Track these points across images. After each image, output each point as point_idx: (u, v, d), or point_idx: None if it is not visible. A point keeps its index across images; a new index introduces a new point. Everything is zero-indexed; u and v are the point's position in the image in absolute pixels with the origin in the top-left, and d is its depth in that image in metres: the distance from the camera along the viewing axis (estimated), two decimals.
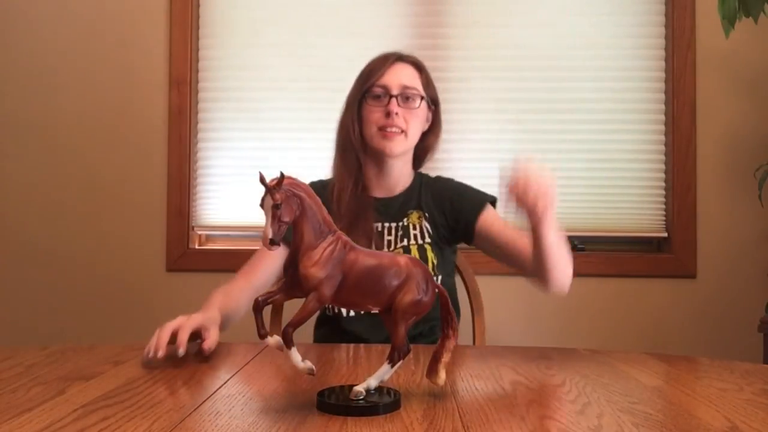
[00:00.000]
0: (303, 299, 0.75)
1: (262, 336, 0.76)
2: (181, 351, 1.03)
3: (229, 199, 2.20)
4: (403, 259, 0.79)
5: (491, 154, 2.17)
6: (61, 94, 2.22)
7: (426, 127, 1.54)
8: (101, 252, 2.21)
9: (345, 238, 0.77)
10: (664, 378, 1.01)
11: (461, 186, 1.57)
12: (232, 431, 0.69)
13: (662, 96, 2.17)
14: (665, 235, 2.16)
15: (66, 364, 0.99)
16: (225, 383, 0.91)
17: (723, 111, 2.13)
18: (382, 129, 1.44)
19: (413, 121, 1.47)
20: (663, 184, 2.17)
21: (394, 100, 1.44)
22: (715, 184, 2.13)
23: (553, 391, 0.89)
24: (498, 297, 2.10)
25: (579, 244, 2.17)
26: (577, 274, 2.13)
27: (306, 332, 2.05)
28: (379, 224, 1.49)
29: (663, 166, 2.17)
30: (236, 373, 0.98)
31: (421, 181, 1.58)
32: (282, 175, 0.72)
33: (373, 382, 0.79)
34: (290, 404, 0.80)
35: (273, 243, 0.71)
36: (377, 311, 0.80)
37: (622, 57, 2.17)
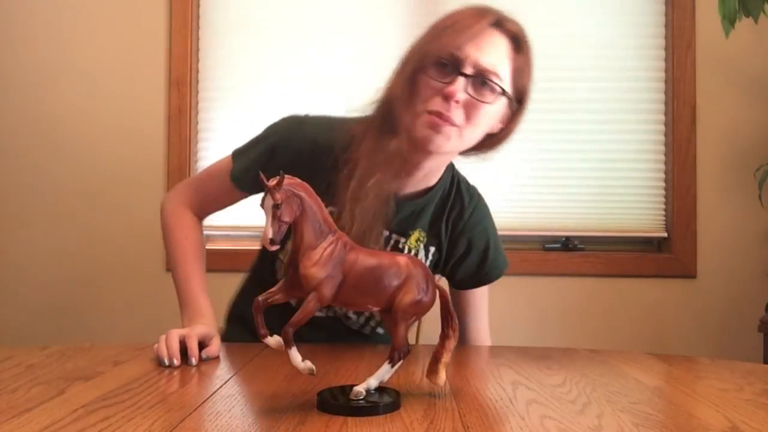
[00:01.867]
0: (303, 299, 0.75)
1: (262, 336, 0.76)
2: (194, 361, 1.00)
3: None
4: (403, 259, 0.79)
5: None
6: (60, 94, 2.22)
7: (497, 129, 1.16)
8: (101, 252, 2.21)
9: (345, 238, 0.77)
10: (664, 378, 1.01)
11: (490, 243, 1.27)
12: (232, 431, 0.69)
13: (662, 96, 2.17)
14: (665, 235, 2.16)
15: (66, 364, 0.99)
16: (225, 383, 0.91)
17: (723, 111, 2.13)
18: (432, 113, 1.06)
19: (478, 119, 1.08)
20: (663, 184, 2.17)
21: (461, 80, 1.05)
22: (715, 184, 2.13)
23: (553, 391, 0.89)
24: (498, 297, 2.09)
25: (579, 244, 2.17)
26: (577, 274, 2.14)
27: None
28: (386, 232, 1.20)
29: (663, 166, 2.17)
30: (236, 373, 0.98)
31: (449, 189, 1.24)
32: (282, 175, 0.72)
33: (373, 382, 0.79)
34: (290, 404, 0.80)
35: (273, 243, 0.71)
36: (377, 311, 0.80)
37: (622, 57, 2.17)
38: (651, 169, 2.17)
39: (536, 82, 2.16)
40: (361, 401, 0.77)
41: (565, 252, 2.15)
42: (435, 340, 0.85)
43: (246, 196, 1.29)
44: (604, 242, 2.20)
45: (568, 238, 2.17)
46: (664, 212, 2.17)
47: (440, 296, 0.84)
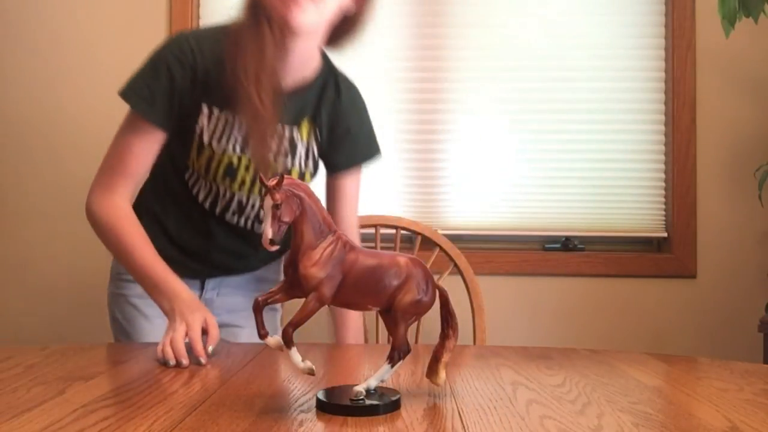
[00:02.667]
0: (302, 299, 0.75)
1: (262, 336, 0.76)
2: (203, 361, 1.02)
3: None
4: (403, 260, 0.79)
5: (491, 154, 2.17)
6: (60, 95, 2.22)
7: (351, 9, 1.22)
8: (101, 251, 2.20)
9: (345, 238, 0.77)
10: (664, 378, 1.01)
11: (364, 128, 1.35)
12: (232, 431, 0.69)
13: (662, 96, 2.17)
14: (665, 235, 2.16)
15: (66, 364, 0.99)
16: (225, 383, 0.91)
17: (723, 111, 2.13)
18: None
19: None
20: (663, 184, 2.17)
21: None
22: (715, 184, 2.13)
23: (553, 391, 0.89)
24: (498, 297, 2.10)
25: (579, 244, 2.17)
26: (577, 274, 2.14)
27: (306, 332, 2.05)
28: (279, 125, 1.24)
29: (663, 166, 2.17)
30: (236, 373, 0.98)
31: (330, 77, 1.31)
32: (282, 175, 0.72)
33: (373, 382, 0.79)
34: (290, 404, 0.80)
35: (273, 243, 0.71)
36: (377, 311, 0.81)
37: (622, 57, 2.17)
38: (651, 169, 2.17)
39: (536, 82, 2.17)
40: (361, 401, 0.77)
41: (565, 252, 2.15)
42: (437, 340, 0.85)
43: (163, 139, 1.25)
44: (604, 242, 2.20)
45: (568, 238, 2.17)
46: (664, 212, 2.17)
47: (440, 296, 0.84)
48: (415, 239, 1.75)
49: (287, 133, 1.26)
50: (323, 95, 1.30)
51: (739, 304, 2.10)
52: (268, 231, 0.71)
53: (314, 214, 0.75)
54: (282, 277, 1.37)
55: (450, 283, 1.77)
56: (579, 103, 2.17)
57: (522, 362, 1.08)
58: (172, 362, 1.00)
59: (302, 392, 0.85)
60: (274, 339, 0.76)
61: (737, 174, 2.11)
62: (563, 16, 2.17)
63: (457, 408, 0.80)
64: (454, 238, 1.81)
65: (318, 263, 0.74)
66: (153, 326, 1.32)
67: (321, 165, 1.37)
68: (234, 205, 1.30)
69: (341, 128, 1.32)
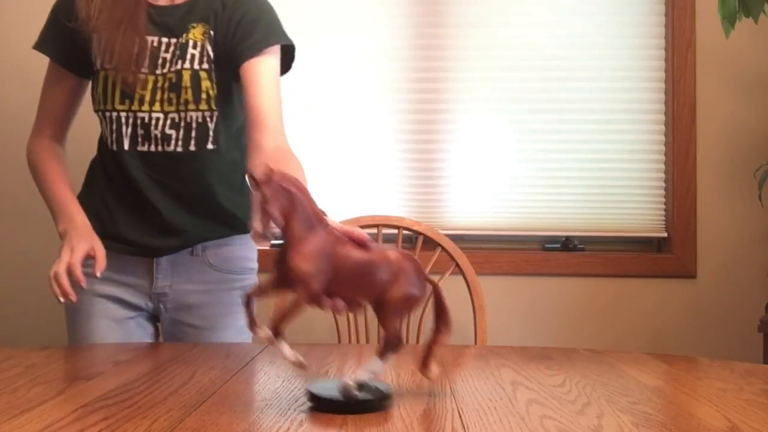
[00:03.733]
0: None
1: (252, 328, 0.76)
2: (85, 285, 1.15)
3: None
4: (393, 254, 0.79)
5: (491, 154, 2.17)
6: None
7: None
8: None
9: (336, 233, 0.77)
10: (664, 378, 1.01)
11: (262, 11, 1.33)
12: (232, 431, 0.69)
13: (662, 96, 2.17)
14: (665, 235, 2.16)
15: (66, 364, 1.00)
16: (225, 383, 0.91)
17: (723, 111, 2.13)
18: None
19: None
20: (663, 184, 2.17)
21: None
22: (715, 184, 2.13)
23: (553, 391, 0.89)
24: (498, 297, 2.10)
25: (579, 244, 2.17)
26: (577, 274, 2.14)
27: (306, 332, 2.05)
28: (155, 39, 1.27)
29: (663, 166, 2.17)
30: (236, 373, 0.98)
31: None
32: (271, 169, 0.72)
33: (362, 374, 0.79)
34: (290, 404, 0.80)
35: (262, 237, 0.71)
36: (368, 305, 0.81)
37: (622, 57, 2.17)
38: (651, 169, 2.17)
39: (536, 82, 2.17)
40: (354, 395, 0.77)
41: (565, 252, 2.15)
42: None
43: (82, 81, 1.37)
44: (604, 242, 2.20)
45: (567, 238, 2.17)
46: (664, 212, 2.17)
47: (433, 291, 0.84)
48: (416, 239, 1.75)
49: (177, 40, 1.28)
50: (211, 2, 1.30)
51: (739, 304, 2.10)
52: (258, 225, 0.71)
53: (304, 208, 0.75)
54: (236, 268, 1.38)
55: (451, 283, 1.77)
56: (579, 103, 2.17)
57: (522, 362, 1.08)
58: (62, 299, 1.12)
59: (302, 392, 0.85)
60: (265, 330, 0.75)
61: (737, 174, 2.11)
62: (563, 16, 2.17)
63: (457, 408, 0.80)
64: (455, 238, 1.81)
65: (307, 257, 0.74)
66: (89, 324, 1.37)
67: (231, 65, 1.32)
68: (140, 130, 1.30)
69: (237, 17, 1.29)
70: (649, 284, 2.13)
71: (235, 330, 1.38)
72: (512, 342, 2.07)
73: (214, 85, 1.29)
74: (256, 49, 1.28)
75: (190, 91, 1.27)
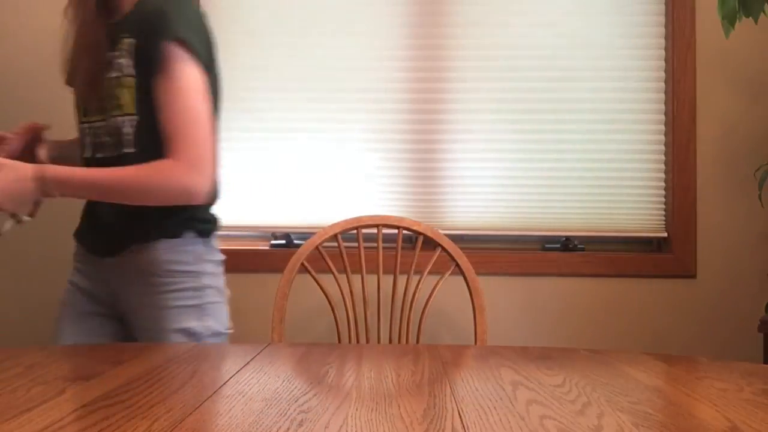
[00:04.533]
0: None
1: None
2: None
3: (228, 200, 2.20)
4: None
5: (491, 154, 2.17)
6: (59, 96, 2.21)
7: None
8: None
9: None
10: (664, 378, 1.01)
11: (167, 8, 1.33)
12: (232, 431, 0.69)
13: (662, 96, 2.17)
14: (665, 235, 2.16)
15: (66, 364, 0.99)
16: (225, 383, 0.91)
17: (723, 111, 2.13)
18: None
19: None
20: (663, 184, 2.17)
21: None
22: (715, 184, 2.13)
23: (553, 391, 0.89)
24: (498, 297, 2.10)
25: (579, 245, 2.17)
26: (576, 274, 2.14)
27: (306, 332, 2.05)
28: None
29: (663, 166, 2.17)
30: (236, 373, 0.98)
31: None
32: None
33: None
34: (290, 404, 0.80)
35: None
36: None
37: (621, 57, 2.17)
38: (651, 169, 2.17)
39: (535, 81, 2.17)
40: None
41: (565, 252, 2.16)
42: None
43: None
44: (604, 242, 2.20)
45: (567, 238, 2.17)
46: (664, 212, 2.17)
47: None
48: (417, 239, 1.75)
49: (112, 53, 1.35)
50: (140, 9, 1.37)
51: (739, 304, 2.10)
52: None
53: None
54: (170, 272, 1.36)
55: (451, 283, 1.78)
56: (579, 103, 2.17)
57: (522, 362, 1.08)
58: None
59: (302, 392, 0.85)
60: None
61: (737, 174, 2.11)
62: (563, 16, 2.17)
63: (457, 408, 0.80)
64: (455, 238, 1.81)
65: None
66: (61, 313, 1.47)
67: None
68: (94, 138, 1.41)
69: (146, 17, 1.33)
70: (649, 284, 2.13)
71: (178, 333, 1.36)
72: (512, 342, 2.07)
73: (136, 90, 1.34)
74: (155, 67, 1.31)
75: (114, 99, 1.36)
